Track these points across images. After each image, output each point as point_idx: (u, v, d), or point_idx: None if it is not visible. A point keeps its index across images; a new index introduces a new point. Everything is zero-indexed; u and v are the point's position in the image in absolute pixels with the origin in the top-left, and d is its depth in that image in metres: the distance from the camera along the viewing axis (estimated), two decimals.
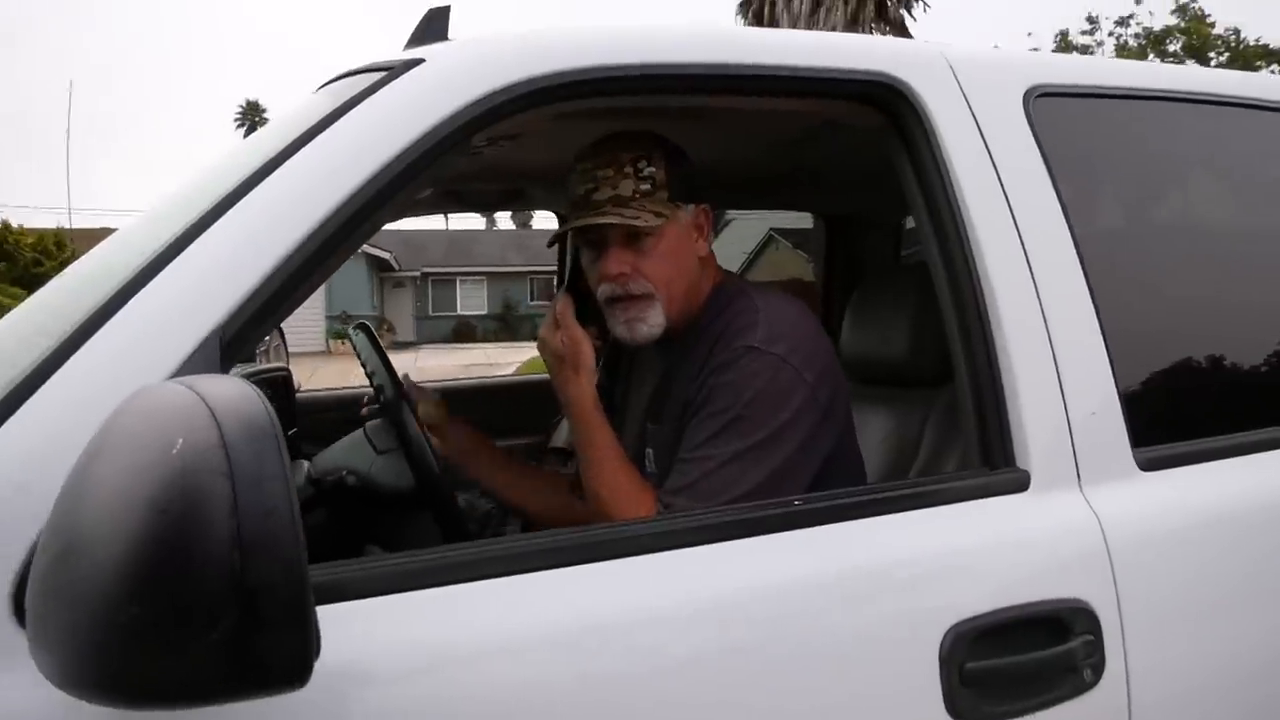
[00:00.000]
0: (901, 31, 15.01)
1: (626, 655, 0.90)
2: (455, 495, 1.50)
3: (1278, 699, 1.21)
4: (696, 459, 1.22)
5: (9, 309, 1.28)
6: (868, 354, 1.76)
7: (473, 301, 31.36)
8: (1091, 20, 24.25)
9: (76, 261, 1.27)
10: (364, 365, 1.64)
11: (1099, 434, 1.16)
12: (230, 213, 0.90)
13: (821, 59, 1.19)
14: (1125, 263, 1.35)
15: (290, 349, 2.91)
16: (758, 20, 14.90)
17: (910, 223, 2.61)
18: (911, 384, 1.71)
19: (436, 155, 0.98)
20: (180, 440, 0.62)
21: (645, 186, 1.29)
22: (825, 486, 1.23)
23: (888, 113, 1.22)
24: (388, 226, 1.78)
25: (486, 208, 2.55)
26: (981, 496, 1.11)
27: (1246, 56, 21.90)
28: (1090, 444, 1.15)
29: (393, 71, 1.04)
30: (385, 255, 26.11)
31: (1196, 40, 22.72)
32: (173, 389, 0.67)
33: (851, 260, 2.65)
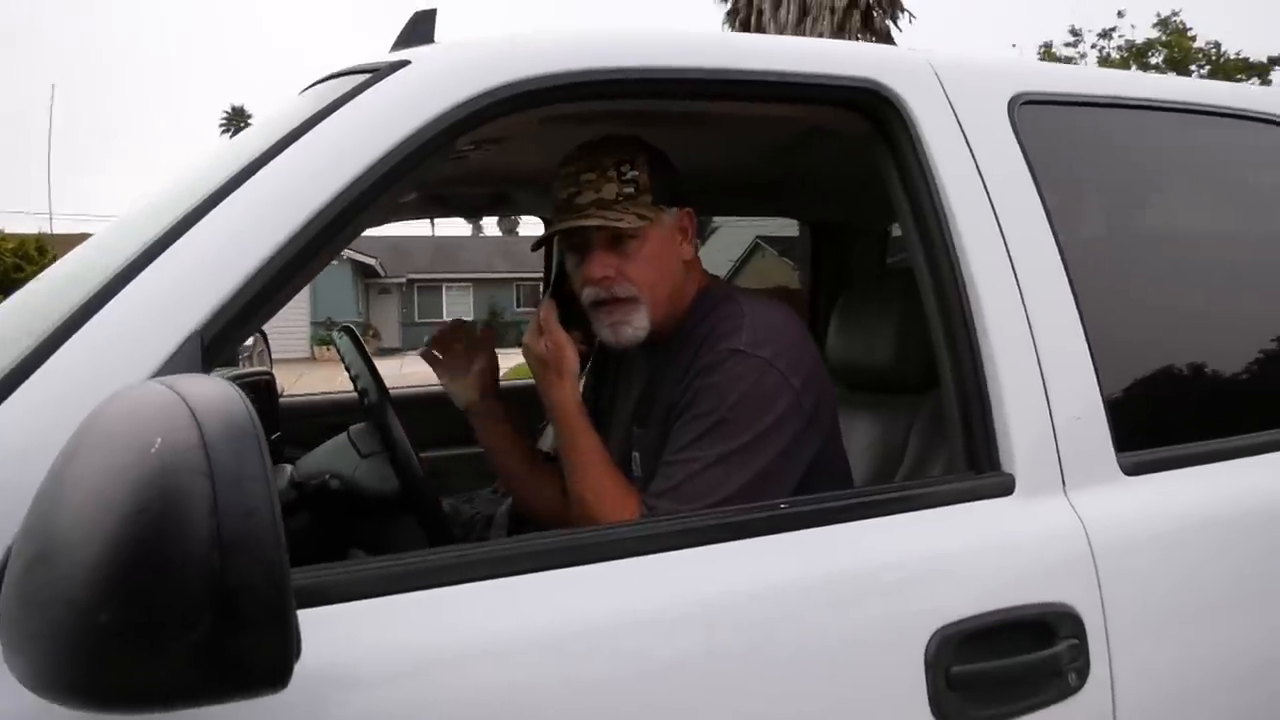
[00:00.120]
0: (887, 41, 15.09)
1: (612, 659, 0.90)
2: (440, 499, 1.49)
3: (1263, 703, 1.22)
4: (681, 461, 1.22)
5: None
6: (853, 360, 1.77)
7: (459, 308, 31.25)
8: (1075, 33, 24.50)
9: (57, 261, 1.26)
10: (348, 369, 1.63)
11: (1083, 438, 1.16)
12: (213, 213, 0.89)
13: (808, 65, 1.20)
14: (1109, 269, 1.35)
15: (274, 355, 2.89)
16: (745, 29, 14.96)
17: (896, 230, 2.63)
18: (897, 390, 1.71)
19: (422, 158, 0.98)
20: (159, 440, 0.61)
21: (628, 190, 1.30)
22: (811, 490, 1.23)
23: (874, 119, 1.23)
24: (373, 232, 1.78)
25: (472, 212, 2.54)
26: (967, 500, 1.11)
27: (1227, 70, 22.17)
28: (1075, 448, 1.15)
29: (378, 73, 1.03)
30: (371, 261, 26.02)
31: (1178, 53, 22.99)
32: (152, 388, 0.66)
33: (837, 267, 2.66)
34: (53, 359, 0.80)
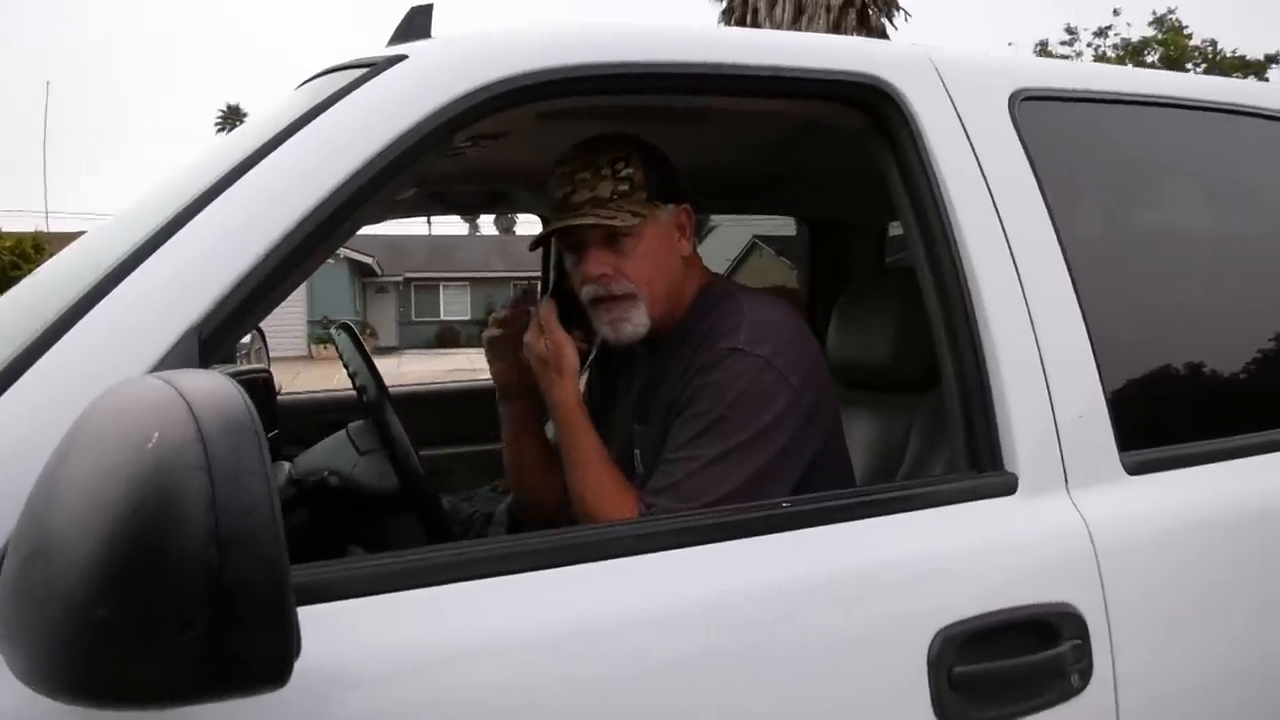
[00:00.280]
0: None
1: (612, 658, 0.89)
2: (439, 496, 1.48)
3: (1267, 703, 1.22)
4: (679, 459, 1.22)
5: None
6: (852, 358, 1.76)
7: (456, 307, 31.26)
8: (1070, 31, 24.56)
9: (53, 258, 1.25)
10: (346, 366, 1.62)
11: (1086, 437, 1.16)
12: (209, 208, 0.89)
13: (807, 60, 1.19)
14: (1111, 266, 1.35)
15: (272, 353, 2.89)
16: (741, 26, 14.97)
17: (894, 229, 2.62)
18: (896, 389, 1.71)
19: (419, 152, 0.97)
20: (156, 434, 0.60)
21: (623, 187, 1.30)
22: (813, 489, 1.23)
23: (873, 115, 1.22)
24: (370, 231, 1.78)
25: (470, 210, 2.54)
26: (969, 500, 1.11)
27: (1224, 68, 22.23)
28: (1077, 447, 1.15)
29: (375, 68, 1.03)
30: (368, 260, 25.99)
31: (1174, 51, 23.05)
32: (149, 383, 0.65)
33: (835, 266, 2.65)
34: (49, 354, 0.79)
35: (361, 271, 26.95)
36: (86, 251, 1.09)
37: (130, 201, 1.28)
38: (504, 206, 2.45)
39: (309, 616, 0.66)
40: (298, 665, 0.64)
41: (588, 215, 1.29)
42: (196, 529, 0.59)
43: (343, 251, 22.25)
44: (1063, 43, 24.43)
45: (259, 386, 2.22)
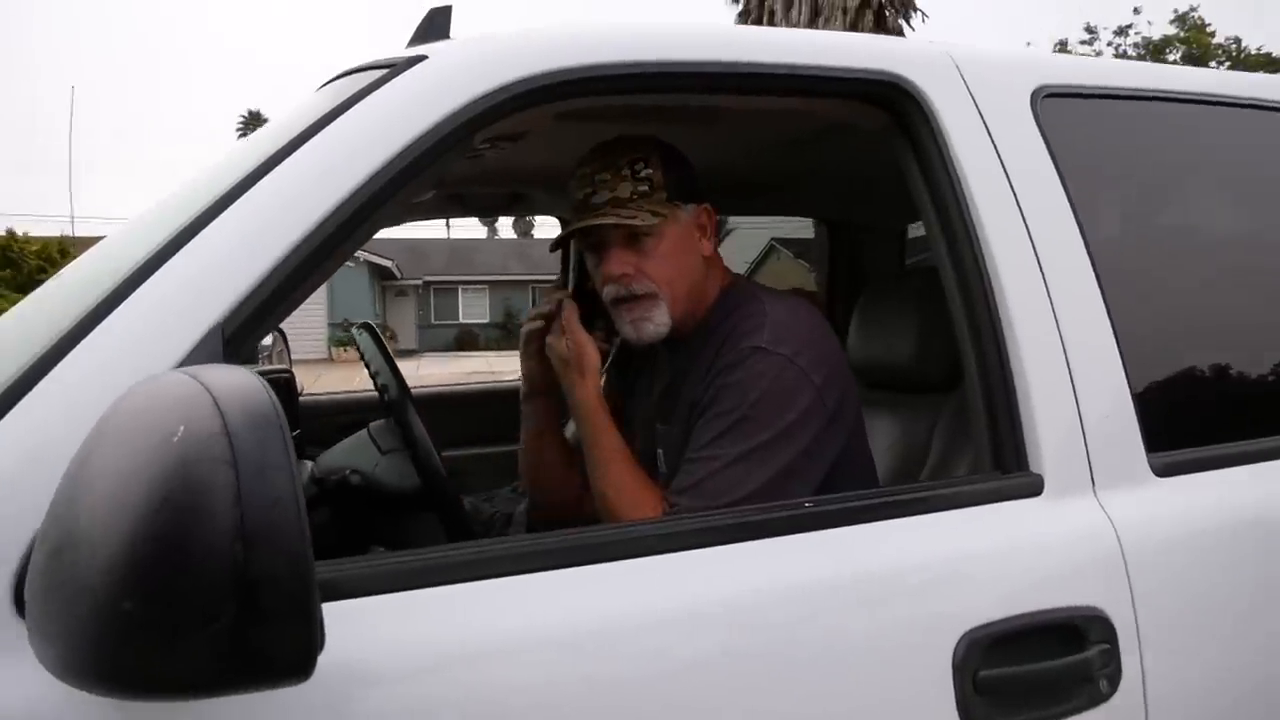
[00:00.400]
0: None
1: (633, 658, 0.89)
2: (460, 497, 1.48)
3: None
4: (702, 459, 1.22)
5: None
6: (874, 359, 1.75)
7: (475, 310, 31.37)
8: (1090, 30, 24.36)
9: (79, 258, 1.26)
10: (368, 365, 1.62)
11: (1113, 438, 1.14)
12: (231, 208, 0.89)
13: (827, 58, 1.18)
14: (1137, 264, 1.33)
15: (292, 356, 2.90)
16: None
17: (914, 230, 2.60)
18: (919, 390, 1.69)
19: (439, 153, 0.98)
20: (182, 428, 0.60)
21: (643, 188, 1.30)
22: (836, 489, 1.22)
23: (894, 113, 1.21)
24: (390, 234, 1.78)
25: (489, 212, 2.55)
26: (994, 501, 1.09)
27: (1249, 65, 21.98)
28: (1104, 448, 1.13)
29: (395, 68, 1.03)
30: (387, 263, 26.13)
31: (1197, 49, 22.81)
32: (175, 378, 0.65)
33: (854, 268, 2.64)
34: (76, 350, 0.79)
35: (381, 274, 27.09)
36: (110, 252, 1.10)
37: (152, 202, 1.29)
38: (522, 208, 2.45)
39: (329, 613, 0.66)
40: (318, 662, 0.64)
41: (608, 215, 1.29)
42: (222, 523, 0.59)
43: (363, 254, 22.39)
44: (1082, 42, 24.27)
45: (281, 387, 2.23)
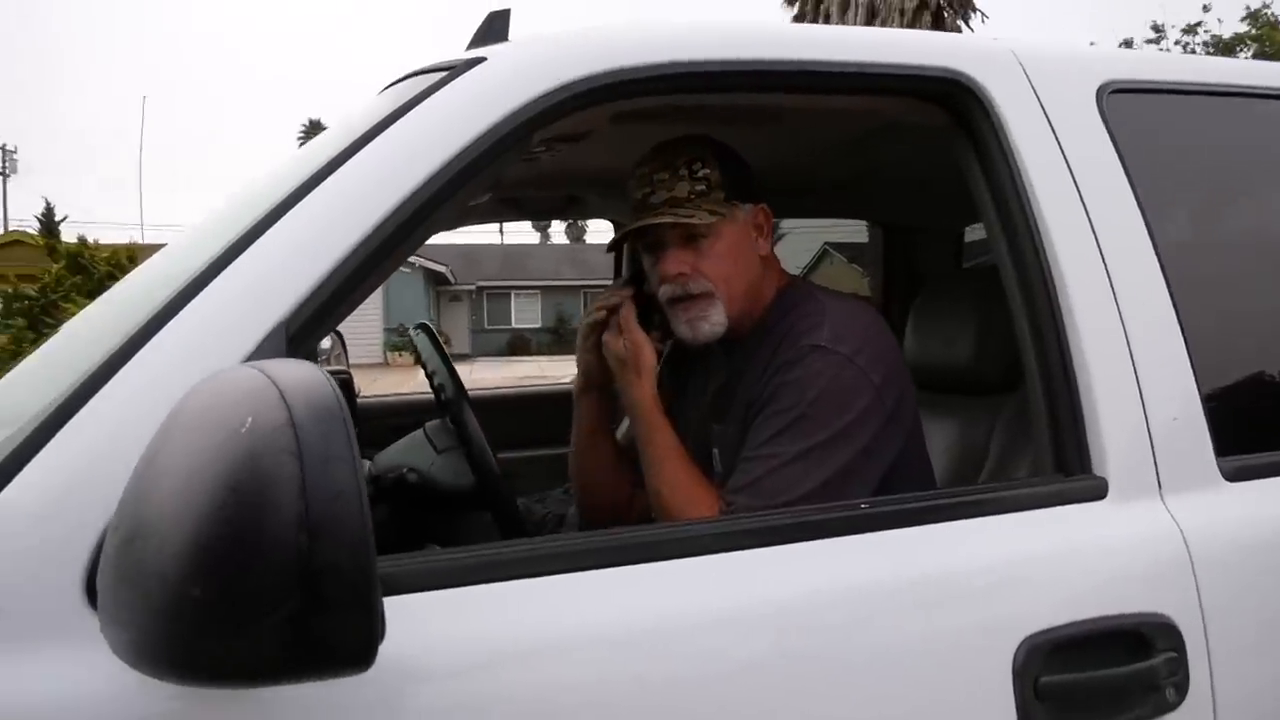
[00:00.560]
0: None
1: (686, 658, 0.88)
2: (514, 495, 1.49)
3: None
4: (760, 457, 1.22)
5: None
6: (931, 361, 1.73)
7: (527, 315, 31.64)
8: (1157, 29, 23.73)
9: (144, 262, 1.30)
10: (424, 365, 1.65)
11: (1181, 441, 1.11)
12: (295, 209, 0.91)
13: (888, 55, 1.17)
14: (1206, 264, 1.29)
15: (350, 360, 2.95)
16: None
17: (971, 233, 2.56)
18: (977, 391, 1.67)
19: (498, 153, 0.99)
20: (249, 419, 0.62)
21: (700, 187, 1.30)
22: (893, 491, 1.21)
23: (954, 111, 1.19)
24: (443, 240, 1.80)
25: (543, 215, 2.57)
26: (1057, 504, 1.07)
27: None
28: (1172, 451, 1.10)
29: (455, 70, 1.04)
30: (441, 269, 26.50)
31: (1269, 47, 22.06)
32: (243, 371, 0.67)
33: (909, 271, 2.60)
34: (148, 345, 0.82)
35: (436, 280, 27.48)
36: (177, 255, 1.13)
37: (222, 203, 1.33)
38: (576, 211, 2.46)
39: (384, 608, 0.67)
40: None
41: (665, 214, 1.30)
42: (288, 514, 0.60)
43: (417, 260, 22.71)
44: (1148, 41, 23.64)
45: (339, 388, 2.27)
